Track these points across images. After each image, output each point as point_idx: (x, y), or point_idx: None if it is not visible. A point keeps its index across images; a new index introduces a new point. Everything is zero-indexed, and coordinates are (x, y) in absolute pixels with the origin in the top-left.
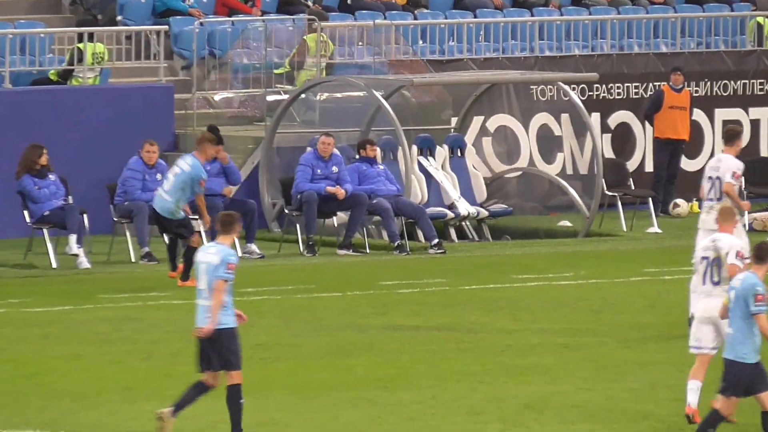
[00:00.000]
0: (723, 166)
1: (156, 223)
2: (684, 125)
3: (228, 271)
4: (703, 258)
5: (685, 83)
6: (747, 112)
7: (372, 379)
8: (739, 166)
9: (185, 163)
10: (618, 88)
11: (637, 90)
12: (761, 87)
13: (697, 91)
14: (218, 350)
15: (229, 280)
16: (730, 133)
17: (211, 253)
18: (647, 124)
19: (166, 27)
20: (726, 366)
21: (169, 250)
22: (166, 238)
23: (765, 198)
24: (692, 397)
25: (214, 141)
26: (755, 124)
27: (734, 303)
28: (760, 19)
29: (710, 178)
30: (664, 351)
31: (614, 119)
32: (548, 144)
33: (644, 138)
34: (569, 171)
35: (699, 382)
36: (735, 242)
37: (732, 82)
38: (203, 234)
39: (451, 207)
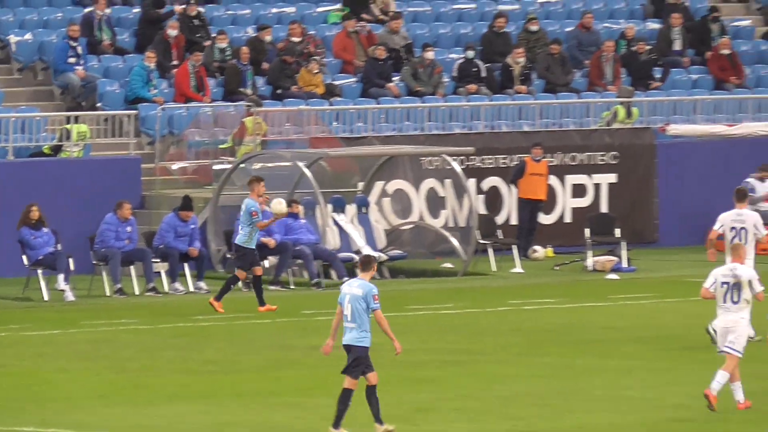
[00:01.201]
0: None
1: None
2: (542, 188)
3: (376, 302)
4: (724, 283)
5: (543, 155)
6: (591, 178)
7: (296, 387)
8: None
9: (243, 203)
10: (490, 159)
11: (505, 160)
12: (602, 158)
13: (552, 161)
14: (360, 360)
15: (379, 309)
16: (741, 192)
17: (354, 287)
18: (513, 187)
19: (135, 111)
20: None
21: (255, 287)
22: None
23: (605, 245)
24: (739, 394)
25: (259, 181)
26: (598, 187)
27: None
28: (619, 107)
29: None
30: (527, 366)
31: (487, 183)
32: (435, 203)
33: (510, 198)
34: (451, 224)
35: (736, 380)
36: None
37: (579, 154)
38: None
39: (358, 252)
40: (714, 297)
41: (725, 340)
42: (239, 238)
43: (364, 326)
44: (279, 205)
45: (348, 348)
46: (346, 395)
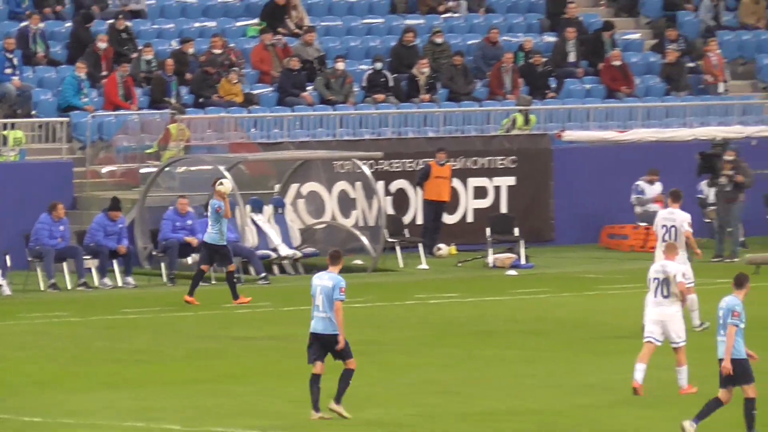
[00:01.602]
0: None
1: (207, 256)
2: (446, 190)
3: (341, 294)
4: (655, 279)
5: (447, 159)
6: (491, 181)
7: (219, 375)
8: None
9: (209, 204)
10: (397, 163)
11: (411, 164)
12: (502, 162)
13: (455, 165)
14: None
15: (341, 300)
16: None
17: (325, 279)
18: (419, 189)
19: (67, 119)
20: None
21: (228, 281)
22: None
23: (505, 243)
24: (638, 375)
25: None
26: (498, 189)
27: (723, 319)
28: (518, 115)
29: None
30: (433, 356)
31: (394, 186)
32: (346, 204)
33: (416, 199)
34: (361, 223)
35: (645, 365)
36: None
37: (481, 159)
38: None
39: (275, 250)
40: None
41: (658, 330)
42: (211, 237)
43: (335, 316)
44: (223, 186)
45: (317, 336)
46: (315, 380)
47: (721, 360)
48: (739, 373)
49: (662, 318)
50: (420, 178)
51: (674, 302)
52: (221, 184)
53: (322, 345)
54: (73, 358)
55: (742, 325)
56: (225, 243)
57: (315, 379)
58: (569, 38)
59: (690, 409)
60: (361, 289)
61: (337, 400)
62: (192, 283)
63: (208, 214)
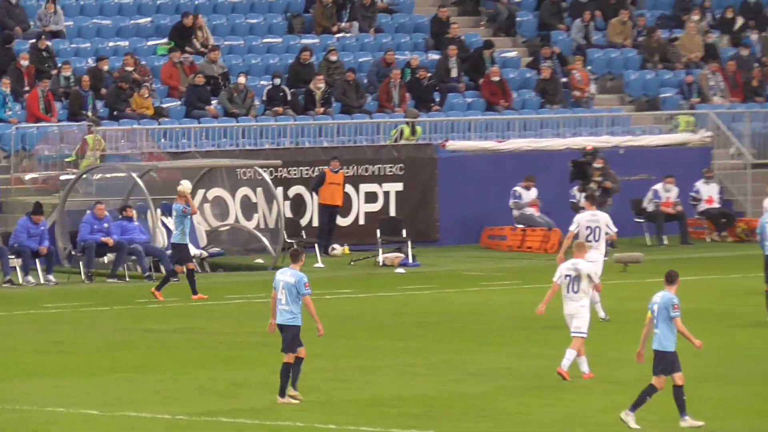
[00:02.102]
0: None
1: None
2: (339, 195)
3: (306, 289)
4: (567, 276)
5: (340, 167)
6: (381, 186)
7: (131, 365)
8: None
9: (173, 208)
10: (295, 170)
11: (308, 172)
12: (391, 170)
13: (348, 172)
14: (291, 338)
15: (309, 294)
16: (592, 197)
17: (287, 275)
18: (314, 194)
19: None
20: (656, 355)
21: (188, 278)
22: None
23: (394, 244)
24: (584, 367)
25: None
26: (387, 194)
27: (658, 312)
28: (405, 126)
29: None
30: (327, 346)
31: (292, 191)
32: (248, 208)
33: (312, 204)
34: (262, 226)
35: (582, 355)
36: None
37: (371, 166)
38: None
39: None
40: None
41: (572, 324)
42: (175, 237)
43: (295, 309)
44: (182, 186)
45: (281, 327)
46: (286, 368)
47: (656, 351)
48: (670, 363)
49: (571, 312)
50: (315, 184)
51: (582, 297)
52: (180, 185)
53: (282, 334)
54: (35, 351)
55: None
56: (186, 242)
57: (299, 361)
58: (451, 56)
59: (561, 395)
60: (262, 286)
61: (294, 386)
62: (190, 284)
63: (173, 216)
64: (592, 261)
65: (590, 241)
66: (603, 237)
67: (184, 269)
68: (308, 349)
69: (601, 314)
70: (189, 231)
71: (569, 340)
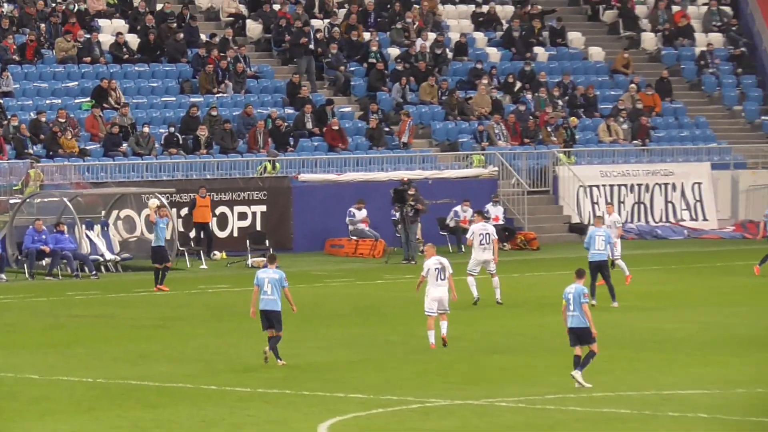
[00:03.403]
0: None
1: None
2: (208, 214)
3: (286, 282)
4: (436, 268)
5: (206, 193)
6: (250, 207)
7: (62, 341)
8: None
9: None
10: (186, 196)
11: (195, 197)
12: (257, 195)
13: (225, 197)
14: (273, 320)
15: (288, 286)
16: (481, 213)
17: (271, 273)
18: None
19: None
20: (576, 331)
21: (161, 273)
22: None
23: (259, 250)
24: (431, 339)
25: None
26: (254, 213)
27: (573, 300)
28: (267, 163)
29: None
30: (210, 328)
31: (183, 211)
32: (150, 224)
33: (190, 220)
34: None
35: (433, 331)
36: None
37: (243, 193)
38: None
39: (102, 255)
40: (426, 277)
41: (440, 305)
42: (153, 242)
43: (278, 297)
44: (150, 201)
45: (268, 312)
46: (270, 340)
47: (575, 328)
48: (587, 336)
49: (440, 295)
50: (189, 208)
51: (446, 285)
52: (152, 200)
53: (268, 318)
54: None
55: (593, 302)
56: (161, 245)
57: (276, 340)
58: (306, 111)
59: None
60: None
61: (276, 356)
62: (161, 277)
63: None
64: (488, 259)
65: (483, 244)
66: (493, 242)
67: (169, 264)
68: (194, 330)
69: (475, 294)
70: (162, 236)
71: (393, 321)
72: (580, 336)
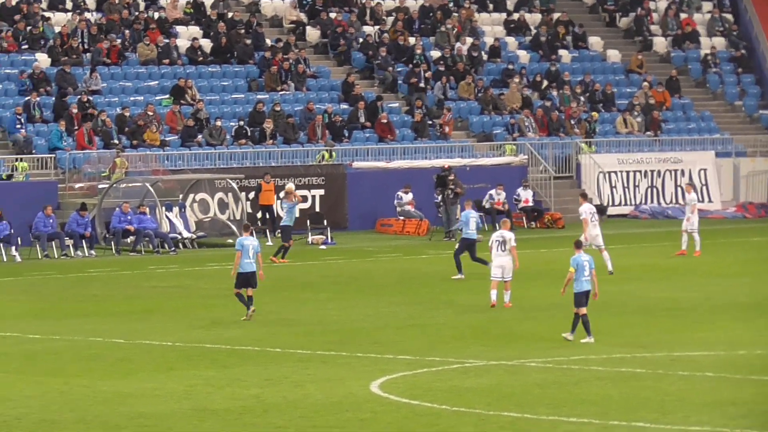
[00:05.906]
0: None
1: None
2: (272, 198)
3: (259, 248)
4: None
5: (272, 179)
6: (310, 192)
7: (143, 309)
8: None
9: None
10: (253, 181)
11: (261, 182)
12: (316, 180)
13: (287, 183)
14: (252, 280)
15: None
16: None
17: (251, 240)
18: (258, 198)
19: (54, 155)
20: (586, 294)
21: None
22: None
23: (318, 229)
24: (494, 297)
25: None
26: (314, 197)
27: (588, 267)
28: (325, 152)
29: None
30: (272, 297)
31: (251, 195)
32: (222, 206)
33: (257, 203)
34: (231, 218)
35: (496, 291)
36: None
37: (303, 179)
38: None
39: (180, 234)
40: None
41: (504, 272)
42: (284, 221)
43: (254, 261)
44: (288, 187)
45: (248, 274)
46: (242, 297)
47: (582, 292)
48: (584, 299)
49: (502, 263)
50: (256, 192)
51: (508, 254)
52: (287, 186)
53: (246, 278)
54: (53, 298)
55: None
56: (290, 224)
57: (240, 296)
58: (360, 107)
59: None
60: (232, 257)
61: (249, 308)
62: (283, 251)
63: (283, 210)
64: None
65: (593, 221)
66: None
67: (292, 242)
68: (262, 304)
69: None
70: (288, 217)
71: (435, 291)
72: (587, 298)
